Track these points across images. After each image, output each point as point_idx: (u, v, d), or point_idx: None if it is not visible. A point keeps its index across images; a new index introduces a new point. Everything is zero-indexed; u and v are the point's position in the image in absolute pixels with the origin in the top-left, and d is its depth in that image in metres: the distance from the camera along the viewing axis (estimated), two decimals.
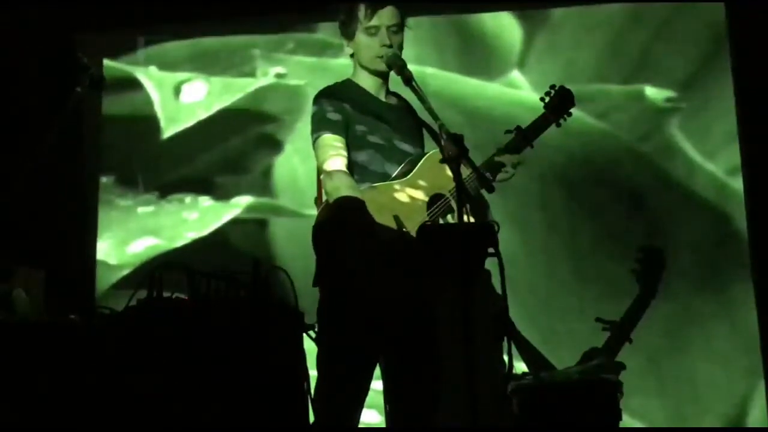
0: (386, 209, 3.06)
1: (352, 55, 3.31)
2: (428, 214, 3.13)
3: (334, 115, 3.18)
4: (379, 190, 3.11)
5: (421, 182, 3.17)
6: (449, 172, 2.94)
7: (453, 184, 3.04)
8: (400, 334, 3.09)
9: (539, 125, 3.39)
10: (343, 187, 3.06)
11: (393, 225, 3.05)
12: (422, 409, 3.12)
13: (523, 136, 3.33)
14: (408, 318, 3.07)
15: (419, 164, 3.19)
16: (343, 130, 3.18)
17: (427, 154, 3.22)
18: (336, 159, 3.12)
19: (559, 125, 3.42)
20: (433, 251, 2.79)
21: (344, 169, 3.11)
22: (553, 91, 3.43)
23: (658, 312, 4.87)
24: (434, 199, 3.17)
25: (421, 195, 3.15)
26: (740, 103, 5.03)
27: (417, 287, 3.01)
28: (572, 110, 3.44)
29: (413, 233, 2.98)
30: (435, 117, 2.98)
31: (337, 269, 3.04)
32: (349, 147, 3.17)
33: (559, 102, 3.41)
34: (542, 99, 3.43)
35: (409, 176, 3.16)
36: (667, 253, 4.80)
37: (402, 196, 3.13)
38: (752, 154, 4.99)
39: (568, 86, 3.46)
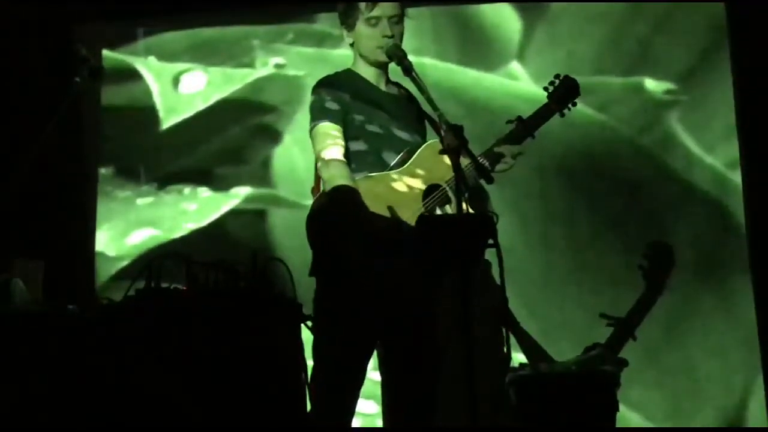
0: (382, 199, 3.06)
1: (352, 45, 3.31)
2: (424, 204, 3.13)
3: (331, 104, 3.18)
4: (375, 179, 3.11)
5: (419, 171, 3.16)
6: (447, 162, 2.94)
7: (451, 175, 3.05)
8: (397, 323, 3.10)
9: (541, 115, 3.37)
10: (338, 177, 3.06)
11: (388, 215, 3.05)
12: (420, 399, 3.13)
13: (524, 127, 3.33)
14: (404, 307, 3.07)
15: (417, 153, 3.18)
16: (341, 119, 3.17)
17: (426, 144, 3.22)
18: (333, 148, 3.12)
19: (563, 115, 3.40)
20: (431, 241, 2.79)
21: (341, 158, 3.11)
22: (557, 81, 3.40)
23: (657, 304, 4.90)
24: (431, 190, 3.17)
25: (417, 184, 3.15)
26: (740, 97, 5.03)
27: (413, 276, 3.01)
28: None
29: (409, 223, 2.99)
30: (434, 107, 2.98)
31: (332, 259, 3.04)
32: (347, 136, 3.18)
33: (563, 92, 3.39)
34: (546, 89, 3.41)
35: (405, 165, 3.16)
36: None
37: (398, 186, 3.12)
38: (751, 148, 4.99)
39: None
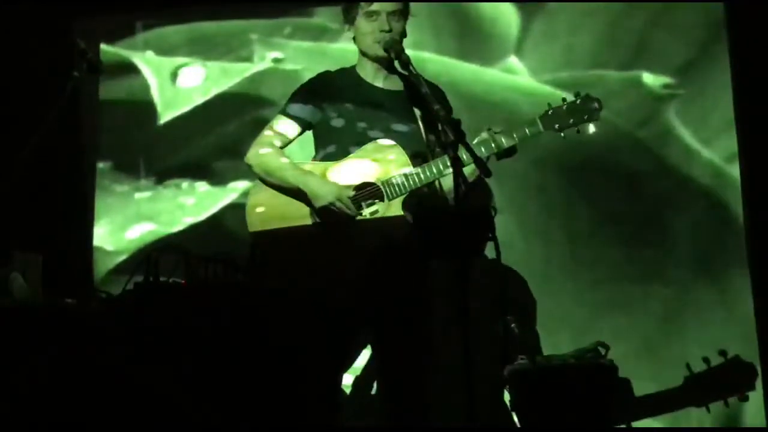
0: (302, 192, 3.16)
1: (354, 40, 3.32)
2: (353, 198, 3.15)
3: (297, 112, 3.29)
4: (308, 169, 3.21)
5: (355, 167, 3.19)
6: (388, 161, 3.02)
7: (389, 174, 3.14)
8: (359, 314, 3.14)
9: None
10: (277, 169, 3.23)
11: (305, 207, 3.16)
12: (411, 388, 3.14)
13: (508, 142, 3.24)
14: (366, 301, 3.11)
15: (358, 150, 3.21)
16: (304, 119, 3.28)
17: (371, 142, 3.23)
18: (262, 145, 3.30)
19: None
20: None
21: (265, 149, 3.28)
22: (572, 99, 3.25)
23: (655, 297, 4.90)
24: (363, 186, 3.19)
25: (348, 179, 3.18)
26: (738, 90, 5.03)
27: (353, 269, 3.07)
28: (569, 95, 3.34)
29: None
30: (432, 102, 2.98)
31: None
32: (350, 143, 3.21)
33: (568, 110, 3.18)
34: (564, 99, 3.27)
35: (344, 160, 3.19)
36: (663, 240, 4.79)
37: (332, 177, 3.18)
38: (749, 141, 4.98)
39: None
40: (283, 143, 3.29)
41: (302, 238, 3.15)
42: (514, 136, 3.17)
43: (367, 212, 3.14)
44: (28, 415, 2.60)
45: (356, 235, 3.11)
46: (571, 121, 3.20)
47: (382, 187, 3.15)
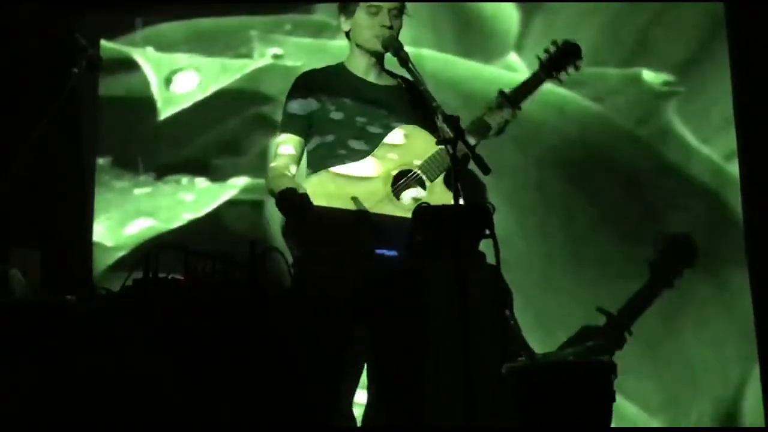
0: (340, 194, 3.12)
1: (347, 34, 3.33)
2: (393, 189, 3.14)
3: (298, 110, 3.29)
4: (330, 174, 3.16)
5: (389, 156, 3.19)
6: (418, 147, 3.01)
7: (422, 158, 3.15)
8: (372, 310, 3.13)
9: (526, 86, 3.37)
10: (273, 179, 3.20)
11: (351, 206, 3.11)
12: (406, 387, 3.14)
13: (506, 99, 3.33)
14: (378, 294, 3.10)
15: (384, 139, 3.20)
16: (302, 128, 3.30)
17: (394, 129, 3.22)
18: (277, 158, 3.28)
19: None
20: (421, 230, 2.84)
21: (278, 163, 3.26)
22: (553, 48, 3.40)
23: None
24: (401, 175, 3.18)
25: (382, 171, 3.17)
26: (737, 88, 5.03)
27: (377, 261, 3.04)
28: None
29: (375, 208, 3.07)
30: (431, 99, 2.99)
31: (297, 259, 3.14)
32: (348, 137, 3.20)
33: (556, 57, 3.38)
34: (538, 57, 3.40)
35: (374, 152, 3.19)
36: (662, 237, 4.80)
37: (362, 172, 3.17)
38: (749, 139, 4.98)
39: None
40: (295, 155, 3.30)
41: (329, 222, 3.13)
42: (522, 88, 3.33)
43: (406, 198, 3.14)
44: (28, 413, 2.60)
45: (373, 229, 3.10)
46: (564, 62, 3.38)
47: (421, 172, 3.16)
